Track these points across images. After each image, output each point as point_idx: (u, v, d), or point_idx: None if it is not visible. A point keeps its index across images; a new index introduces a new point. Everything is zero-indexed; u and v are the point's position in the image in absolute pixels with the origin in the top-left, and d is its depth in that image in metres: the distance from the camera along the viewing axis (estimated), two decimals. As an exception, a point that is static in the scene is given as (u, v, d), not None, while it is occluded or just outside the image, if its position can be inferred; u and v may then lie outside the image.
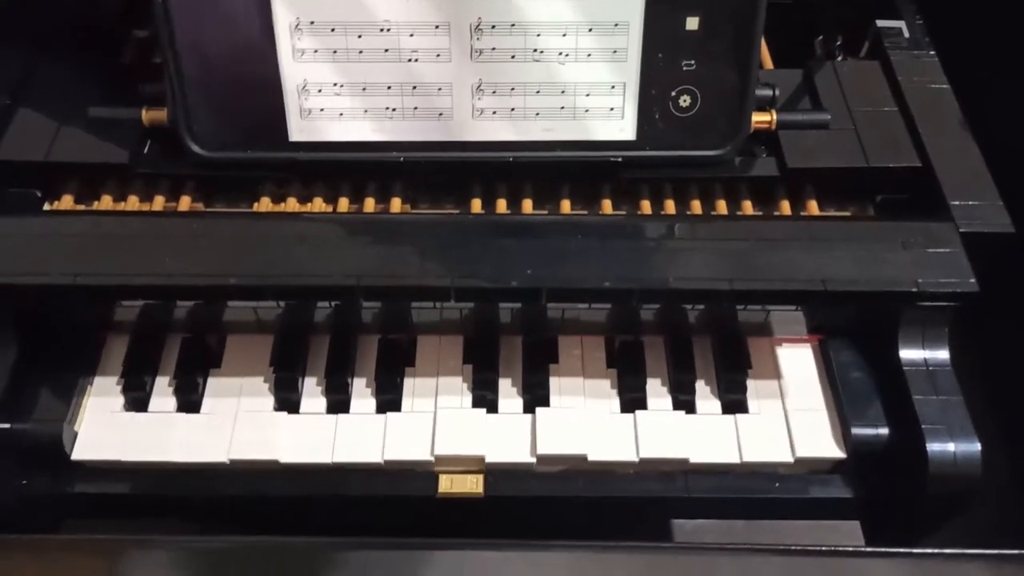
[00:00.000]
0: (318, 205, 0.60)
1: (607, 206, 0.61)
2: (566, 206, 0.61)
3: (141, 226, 0.56)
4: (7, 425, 0.55)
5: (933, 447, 0.53)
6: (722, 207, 0.61)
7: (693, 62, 0.56)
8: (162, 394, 0.59)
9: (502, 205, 0.61)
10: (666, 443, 0.56)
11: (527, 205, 0.61)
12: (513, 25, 0.54)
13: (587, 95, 0.57)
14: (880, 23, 0.67)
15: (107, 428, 0.57)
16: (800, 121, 0.60)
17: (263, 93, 0.56)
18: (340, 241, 0.55)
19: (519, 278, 0.53)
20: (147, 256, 0.53)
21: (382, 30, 0.54)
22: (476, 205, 0.60)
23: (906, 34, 0.66)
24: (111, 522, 0.59)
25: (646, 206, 0.61)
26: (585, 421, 0.57)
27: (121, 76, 0.62)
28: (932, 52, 0.65)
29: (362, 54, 0.55)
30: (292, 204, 0.60)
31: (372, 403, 0.58)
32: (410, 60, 0.55)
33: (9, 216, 0.56)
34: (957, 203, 0.56)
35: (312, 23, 0.54)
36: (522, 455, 0.56)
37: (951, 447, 0.53)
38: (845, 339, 0.60)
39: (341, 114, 0.57)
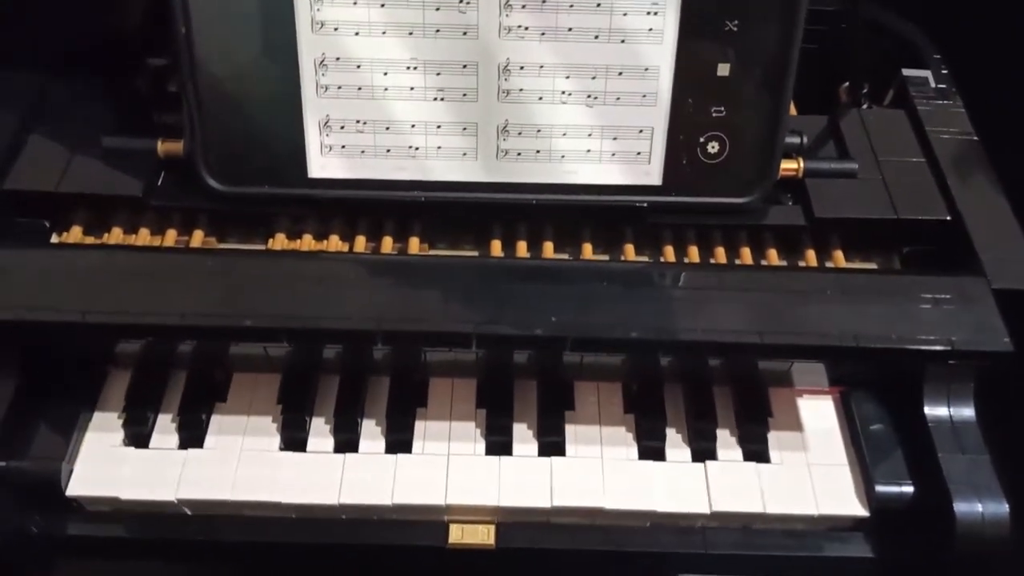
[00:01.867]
0: (334, 243, 0.59)
1: (630, 251, 0.60)
2: (588, 250, 0.60)
3: (153, 262, 0.55)
4: (3, 463, 0.53)
5: (960, 507, 0.52)
6: (747, 255, 0.60)
7: (723, 108, 0.55)
8: (164, 431, 0.57)
9: (522, 247, 0.60)
10: (685, 495, 0.55)
11: (548, 248, 0.60)
12: (542, 67, 0.54)
13: (614, 139, 0.56)
14: (906, 72, 0.66)
15: (104, 463, 0.55)
16: (828, 169, 0.60)
17: (284, 128, 0.55)
18: (359, 282, 0.54)
19: (543, 326, 0.52)
20: (159, 294, 0.52)
21: (408, 68, 0.53)
22: (496, 247, 0.59)
23: (932, 84, 0.66)
24: (109, 563, 0.57)
25: (669, 252, 0.60)
26: (602, 470, 0.55)
27: (136, 104, 0.61)
28: (959, 102, 0.65)
29: (387, 92, 0.54)
30: (308, 241, 0.59)
31: (382, 444, 0.57)
32: (436, 99, 0.54)
33: (15, 248, 0.55)
34: (988, 258, 0.55)
35: (337, 59, 0.53)
36: (538, 503, 0.54)
37: (979, 507, 0.52)
38: (868, 392, 0.59)
39: (363, 151, 0.56)
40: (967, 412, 0.56)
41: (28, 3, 0.59)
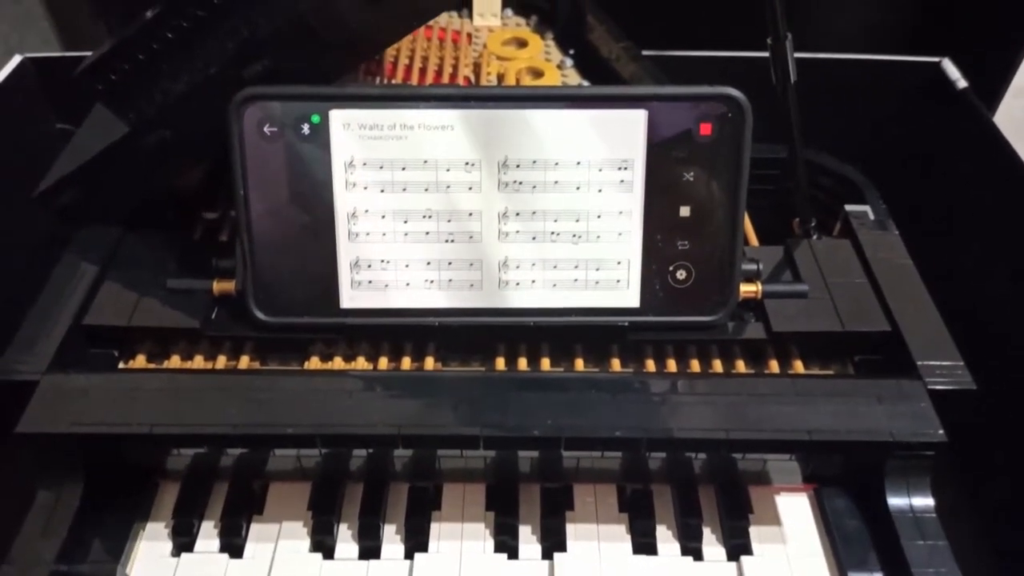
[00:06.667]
0: (361, 363, 0.67)
1: (615, 364, 0.67)
2: (579, 364, 0.67)
3: (208, 382, 0.62)
4: (66, 567, 0.59)
5: (924, 591, 0.57)
6: (717, 365, 0.67)
7: (687, 242, 0.64)
8: (208, 537, 0.63)
9: (523, 363, 0.67)
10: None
11: (545, 363, 0.67)
12: (534, 213, 0.64)
13: (597, 269, 0.65)
14: (848, 208, 0.76)
15: (155, 569, 0.61)
16: (782, 291, 0.67)
17: (321, 268, 0.64)
18: (382, 395, 0.61)
19: (541, 428, 0.59)
20: (213, 409, 0.60)
21: (424, 216, 0.64)
22: (500, 363, 0.67)
23: (871, 216, 0.75)
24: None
25: (650, 364, 0.67)
26: (600, 566, 0.61)
27: (192, 252, 0.70)
28: (895, 232, 0.73)
29: (407, 236, 0.64)
30: (338, 362, 0.67)
31: (401, 549, 0.62)
32: (447, 241, 0.64)
33: (91, 373, 0.63)
34: (924, 363, 0.63)
35: (366, 211, 0.63)
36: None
37: (940, 592, 0.57)
38: (837, 488, 0.65)
39: (386, 285, 0.65)
40: (926, 502, 0.61)
41: (106, 176, 0.70)
